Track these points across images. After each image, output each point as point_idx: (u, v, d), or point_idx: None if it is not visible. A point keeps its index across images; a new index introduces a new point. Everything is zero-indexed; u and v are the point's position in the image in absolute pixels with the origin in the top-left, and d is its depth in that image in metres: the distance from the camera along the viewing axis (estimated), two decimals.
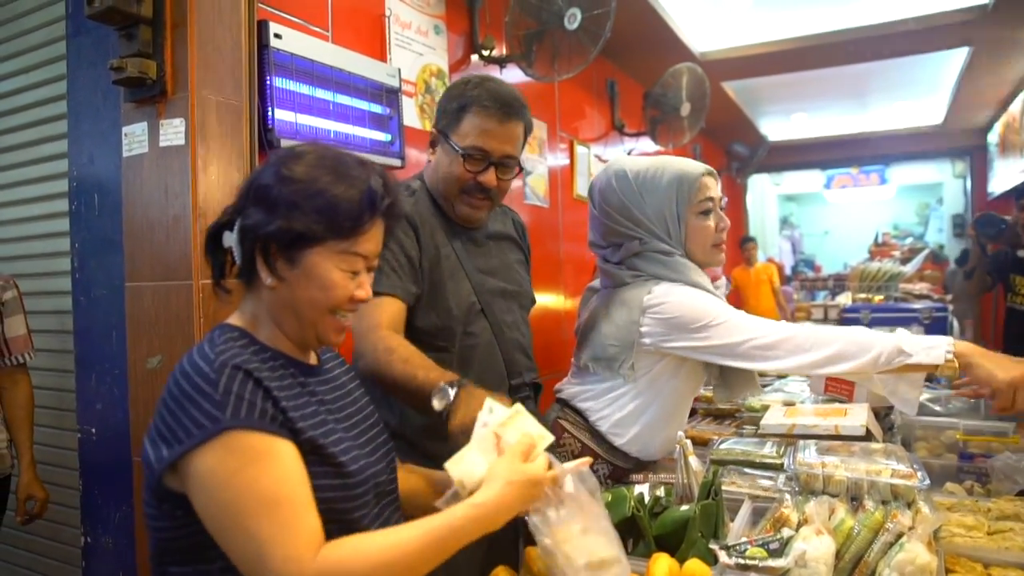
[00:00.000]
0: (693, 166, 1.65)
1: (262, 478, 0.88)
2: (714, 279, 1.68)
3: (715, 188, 1.68)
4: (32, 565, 2.46)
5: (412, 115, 2.73)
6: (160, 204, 1.87)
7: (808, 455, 1.47)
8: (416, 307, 1.48)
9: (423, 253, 1.49)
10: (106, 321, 2.04)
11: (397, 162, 2.49)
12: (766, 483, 1.50)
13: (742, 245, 7.08)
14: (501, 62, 3.19)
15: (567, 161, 4.07)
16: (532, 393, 1.60)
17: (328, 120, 2.24)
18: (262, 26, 2.03)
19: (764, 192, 11.15)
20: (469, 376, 1.31)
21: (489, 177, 1.49)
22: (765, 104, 7.01)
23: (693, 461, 1.45)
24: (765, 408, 2.03)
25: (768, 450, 1.65)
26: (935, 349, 1.40)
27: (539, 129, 3.71)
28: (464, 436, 1.09)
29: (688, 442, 1.45)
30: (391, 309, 1.42)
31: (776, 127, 7.95)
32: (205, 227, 1.80)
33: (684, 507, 1.30)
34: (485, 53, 3.11)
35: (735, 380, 1.68)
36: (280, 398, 0.95)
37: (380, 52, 2.58)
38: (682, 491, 1.45)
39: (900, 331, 1.48)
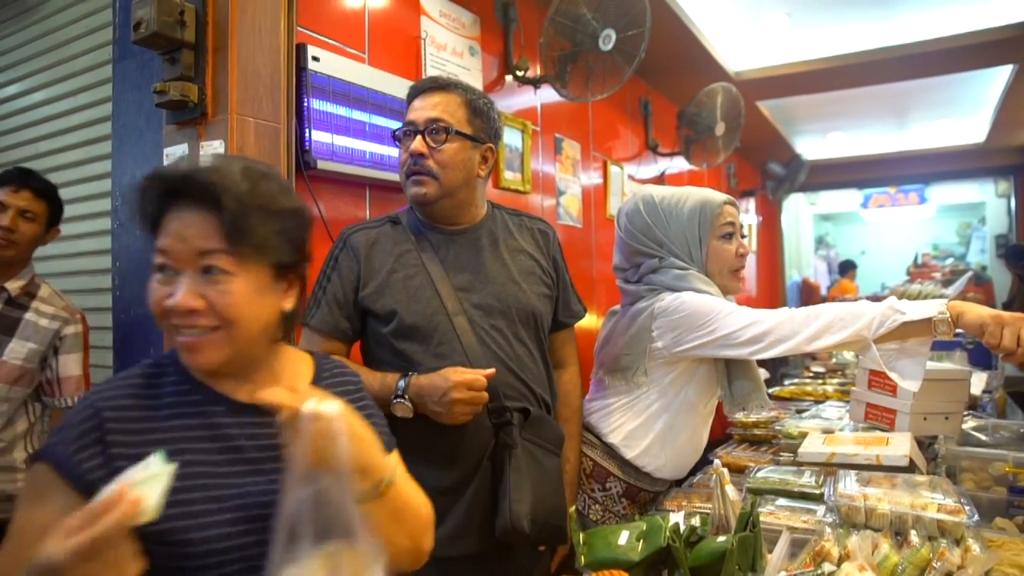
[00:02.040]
0: (716, 194, 1.77)
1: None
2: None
3: (736, 216, 1.78)
4: None
5: None
6: None
7: (849, 486, 1.43)
8: (383, 320, 1.50)
9: (372, 278, 1.50)
10: (144, 339, 2.07)
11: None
12: (805, 515, 1.46)
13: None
14: (535, 83, 3.20)
15: (600, 181, 4.05)
16: (520, 420, 1.48)
17: (364, 141, 2.26)
18: (300, 49, 2.06)
19: (799, 211, 11.00)
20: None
21: (416, 144, 1.50)
22: (801, 123, 6.93)
23: (730, 490, 1.42)
24: (803, 435, 1.99)
25: (807, 479, 1.61)
26: (928, 305, 1.42)
27: (572, 149, 3.71)
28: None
29: (724, 470, 1.42)
30: (322, 343, 1.50)
31: (812, 146, 7.85)
32: None
33: (721, 538, 1.27)
34: (519, 74, 3.13)
35: (741, 389, 1.71)
36: (117, 443, 0.86)
37: (415, 73, 2.61)
38: (718, 520, 1.42)
39: (891, 297, 1.51)
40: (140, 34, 1.83)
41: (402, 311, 1.48)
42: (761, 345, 1.54)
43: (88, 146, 2.46)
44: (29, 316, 2.00)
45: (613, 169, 4.13)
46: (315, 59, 2.09)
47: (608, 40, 2.94)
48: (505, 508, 1.42)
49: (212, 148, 1.86)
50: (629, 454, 1.71)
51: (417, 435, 1.43)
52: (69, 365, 2.06)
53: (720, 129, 4.58)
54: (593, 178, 3.97)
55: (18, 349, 1.96)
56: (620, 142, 4.40)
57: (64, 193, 2.54)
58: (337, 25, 2.27)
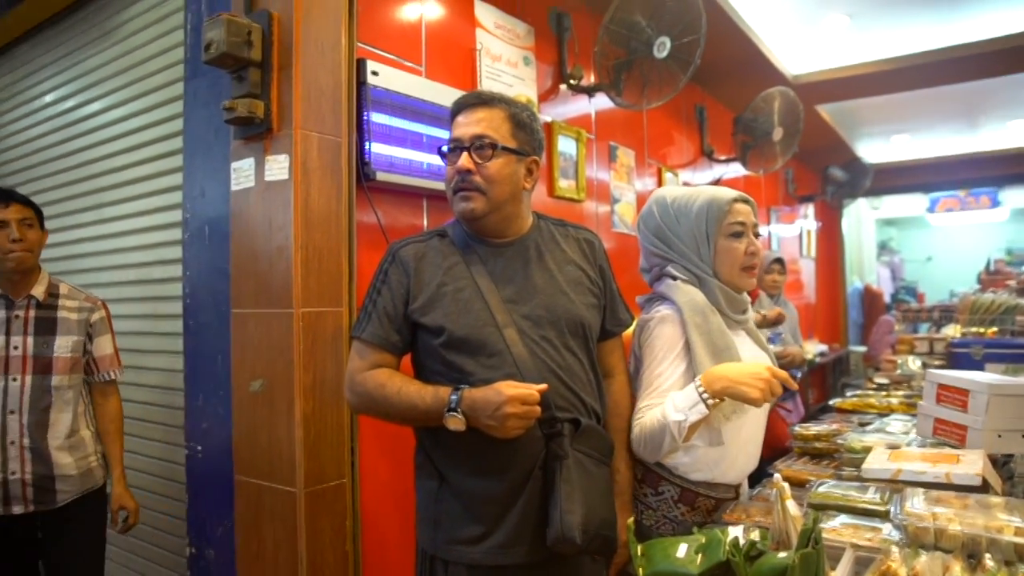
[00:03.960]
0: (726, 192, 1.75)
1: None
2: (753, 296, 1.75)
3: (748, 214, 1.75)
4: (144, 570, 2.61)
5: None
6: (265, 235, 1.97)
7: (917, 504, 1.39)
8: (434, 333, 1.52)
9: (422, 291, 1.52)
10: (213, 345, 2.16)
11: None
12: (869, 532, 1.42)
13: None
14: (590, 91, 3.21)
15: (655, 188, 4.03)
16: (571, 430, 1.48)
17: (421, 152, 2.30)
18: (360, 64, 2.12)
19: (860, 216, 10.68)
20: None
21: (462, 161, 1.51)
22: (863, 126, 6.74)
23: (790, 505, 1.39)
24: (866, 449, 1.93)
25: (871, 496, 1.56)
26: (695, 405, 1.50)
27: (627, 156, 3.70)
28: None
29: (785, 485, 1.39)
30: (373, 356, 1.52)
31: (875, 149, 7.62)
32: (306, 258, 1.90)
33: (782, 554, 1.25)
34: (573, 82, 3.14)
35: None
36: None
37: (471, 84, 2.65)
38: (778, 536, 1.39)
39: (666, 402, 1.55)
40: (210, 54, 1.91)
41: (452, 324, 1.49)
42: (634, 420, 1.63)
43: (160, 160, 2.57)
44: (61, 314, 2.16)
45: (668, 176, 4.10)
46: (374, 73, 2.15)
47: (663, 47, 2.93)
48: (556, 518, 1.42)
49: (277, 162, 1.93)
50: (669, 462, 1.70)
51: (468, 446, 1.45)
52: (103, 346, 2.24)
53: (778, 134, 4.50)
54: (648, 185, 3.95)
55: (64, 344, 2.13)
56: (675, 149, 4.36)
57: (137, 205, 2.69)
58: (395, 39, 2.33)
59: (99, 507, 2.21)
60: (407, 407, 1.44)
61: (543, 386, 1.41)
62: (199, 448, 2.22)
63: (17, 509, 2.02)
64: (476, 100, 1.55)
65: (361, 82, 2.10)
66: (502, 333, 1.49)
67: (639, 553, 1.32)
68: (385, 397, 1.46)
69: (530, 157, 1.58)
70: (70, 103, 3.10)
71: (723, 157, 4.80)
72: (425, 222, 2.39)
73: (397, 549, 2.17)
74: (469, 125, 1.53)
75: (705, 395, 1.49)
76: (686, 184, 4.37)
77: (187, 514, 2.28)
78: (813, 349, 6.29)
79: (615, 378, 1.74)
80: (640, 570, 1.29)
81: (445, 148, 1.57)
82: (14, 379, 2.05)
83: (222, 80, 2.07)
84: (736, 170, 5.04)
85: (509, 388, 1.37)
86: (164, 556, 2.51)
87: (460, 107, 1.57)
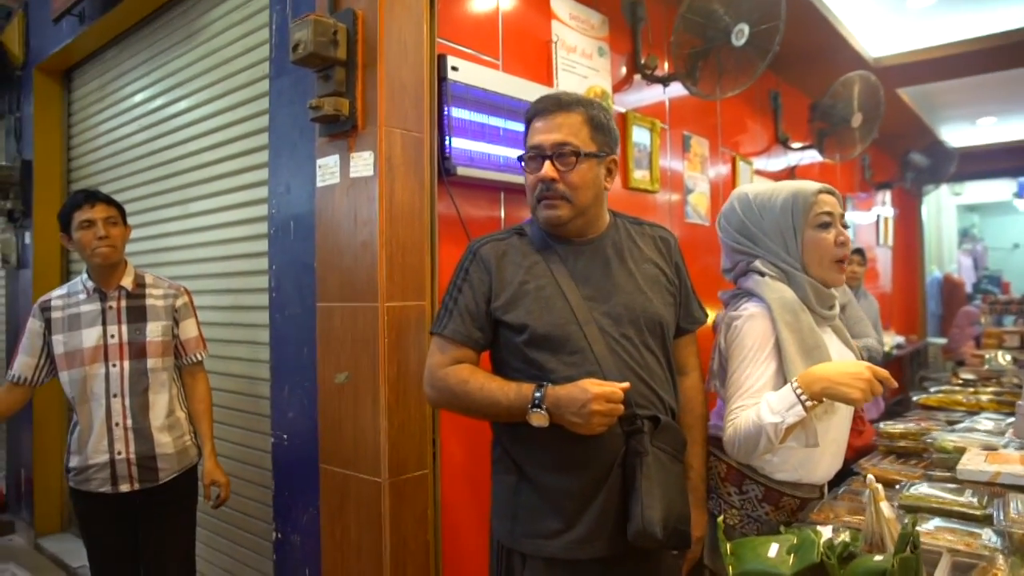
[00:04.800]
0: (810, 183, 1.72)
1: None
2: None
3: (834, 204, 1.70)
4: (230, 552, 2.73)
5: None
6: (350, 230, 2.02)
7: (1021, 510, 1.34)
8: (516, 331, 1.53)
9: (504, 289, 1.54)
10: (299, 337, 2.23)
11: None
12: (967, 537, 1.38)
13: None
14: (664, 80, 3.16)
15: (729, 177, 3.95)
16: (650, 427, 1.49)
17: (499, 146, 2.32)
18: (440, 60, 2.14)
19: (941, 202, 10.21)
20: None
21: (546, 169, 1.51)
22: (946, 109, 6.44)
23: (884, 507, 1.36)
24: (958, 450, 1.86)
25: (968, 499, 1.51)
26: (793, 407, 1.46)
27: (701, 145, 3.64)
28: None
29: (879, 487, 1.36)
30: (455, 351, 1.54)
31: (959, 133, 7.28)
32: (391, 253, 1.94)
33: (877, 557, 1.22)
34: (648, 72, 3.10)
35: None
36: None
37: (547, 77, 2.64)
38: (871, 537, 1.36)
39: (761, 404, 1.52)
40: (298, 54, 1.96)
41: (534, 322, 1.51)
42: (727, 421, 1.59)
43: (245, 156, 2.67)
44: (149, 301, 2.28)
45: (742, 165, 4.01)
46: (454, 69, 2.17)
47: (741, 35, 2.86)
48: (638, 513, 1.43)
49: (362, 159, 1.98)
50: (754, 461, 1.68)
51: (549, 442, 1.47)
52: (188, 329, 2.35)
53: (857, 120, 4.35)
54: (721, 174, 3.88)
55: (155, 329, 2.26)
56: (748, 136, 4.26)
57: (222, 200, 2.79)
58: (473, 34, 2.34)
59: (192, 485, 2.33)
60: (490, 403, 1.47)
61: (626, 384, 1.42)
62: (285, 437, 2.31)
63: (124, 487, 2.15)
64: (554, 105, 1.54)
65: (442, 78, 2.13)
66: (583, 331, 1.51)
67: (728, 552, 1.31)
68: (467, 393, 1.49)
69: (609, 157, 1.59)
70: (157, 103, 3.23)
71: (798, 144, 4.67)
72: (502, 214, 2.41)
73: (474, 540, 2.21)
74: (549, 132, 1.52)
75: (803, 397, 1.46)
76: (759, 172, 4.27)
77: (273, 500, 2.37)
78: (890, 341, 6.08)
79: (688, 375, 1.75)
80: (730, 569, 1.28)
81: (523, 156, 1.57)
82: (114, 365, 2.18)
83: (307, 78, 2.12)
84: (811, 157, 4.90)
85: (594, 386, 1.38)
86: (251, 540, 2.62)
87: (536, 112, 1.56)
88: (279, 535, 2.33)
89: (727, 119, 3.94)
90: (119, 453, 2.14)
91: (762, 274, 1.69)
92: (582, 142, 1.52)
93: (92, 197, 2.20)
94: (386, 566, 1.92)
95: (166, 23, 3.18)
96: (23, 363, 2.19)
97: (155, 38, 3.26)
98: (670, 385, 1.61)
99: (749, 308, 1.65)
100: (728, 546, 1.31)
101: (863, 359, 1.63)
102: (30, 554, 3.73)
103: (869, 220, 6.62)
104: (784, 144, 4.58)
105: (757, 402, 1.54)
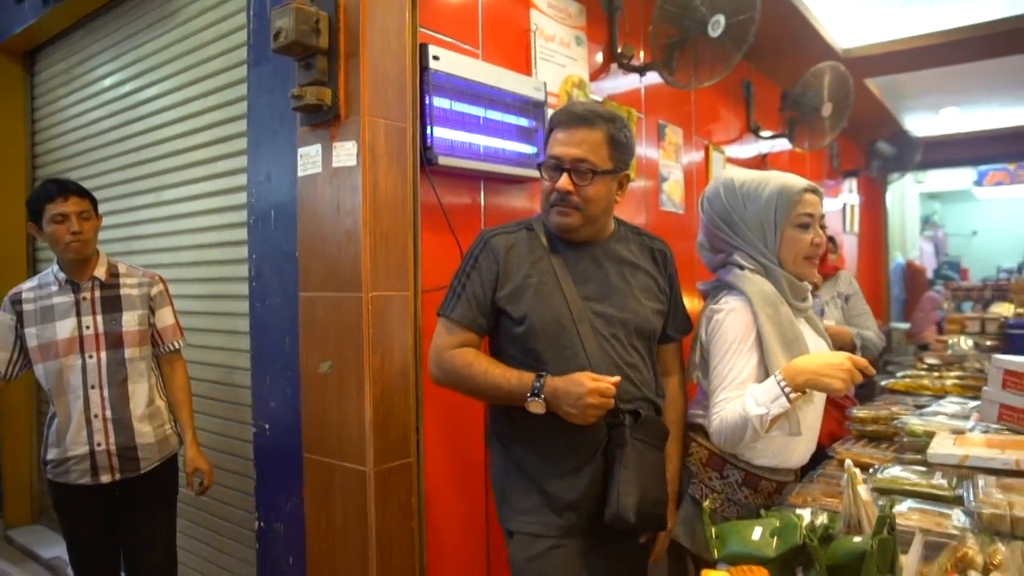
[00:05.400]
0: (797, 181, 1.75)
1: None
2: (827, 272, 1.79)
3: (817, 205, 1.75)
4: (211, 541, 2.72)
5: None
6: (333, 220, 2.01)
7: (990, 491, 1.40)
8: (516, 321, 1.61)
9: (509, 280, 1.62)
10: (280, 327, 2.22)
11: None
12: (938, 518, 1.44)
13: None
14: (641, 70, 3.19)
15: (702, 166, 4.00)
16: (631, 421, 1.58)
17: (479, 135, 2.32)
18: (423, 49, 2.13)
19: (904, 190, 10.44)
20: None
21: (563, 182, 1.58)
22: (911, 99, 6.56)
23: (862, 490, 1.41)
24: (927, 434, 1.93)
25: (938, 481, 1.58)
26: (777, 399, 1.52)
27: (675, 134, 3.67)
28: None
29: (857, 471, 1.41)
30: (461, 335, 1.63)
31: (923, 123, 7.43)
32: (375, 243, 1.94)
33: (856, 538, 1.27)
34: (624, 62, 3.12)
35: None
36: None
37: (526, 66, 2.65)
38: (849, 519, 1.41)
39: (746, 396, 1.58)
40: (280, 43, 1.94)
41: (534, 314, 1.59)
42: (712, 413, 1.65)
43: (221, 143, 2.63)
44: (124, 291, 2.26)
45: (715, 154, 4.06)
46: (435, 58, 2.16)
47: (717, 26, 2.90)
48: (614, 499, 1.53)
49: (345, 149, 1.97)
50: (735, 450, 1.73)
51: (539, 428, 1.57)
52: (164, 317, 2.34)
53: (827, 110, 4.42)
54: (695, 162, 3.92)
55: (131, 318, 2.24)
56: (721, 125, 4.31)
57: (199, 188, 2.75)
58: (453, 23, 2.33)
59: (173, 474, 2.33)
60: (491, 387, 1.56)
61: (616, 379, 1.51)
62: (267, 426, 2.30)
63: (105, 478, 2.14)
64: (579, 120, 1.60)
65: (424, 67, 2.12)
66: (577, 328, 1.60)
67: (713, 535, 1.35)
68: (472, 376, 1.58)
69: (623, 172, 1.67)
70: (128, 88, 3.16)
71: (769, 133, 4.73)
72: (482, 203, 2.41)
73: (458, 527, 2.24)
74: (570, 146, 1.58)
75: (787, 389, 1.52)
76: (731, 160, 4.32)
77: (255, 489, 2.36)
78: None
79: (672, 376, 1.86)
80: (715, 551, 1.32)
81: (542, 163, 1.64)
82: (90, 356, 2.15)
83: (287, 66, 2.10)
84: (782, 145, 4.97)
85: (590, 380, 1.47)
86: (232, 529, 2.61)
87: (560, 123, 1.63)
88: (262, 524, 2.33)
89: (701, 108, 3.98)
90: (99, 444, 2.12)
91: (741, 267, 1.74)
92: (600, 160, 1.59)
93: (65, 189, 2.16)
94: (372, 553, 1.94)
95: (136, 5, 3.11)
96: None
97: (125, 20, 3.18)
98: (653, 384, 1.72)
99: (730, 302, 1.70)
100: (713, 530, 1.35)
101: (856, 348, 1.70)
102: (0, 546, 3.67)
103: (836, 207, 6.75)
104: (755, 133, 4.64)
105: (741, 394, 1.59)
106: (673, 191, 3.64)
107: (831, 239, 3.79)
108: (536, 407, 1.50)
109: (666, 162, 3.58)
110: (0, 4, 3.71)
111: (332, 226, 2.02)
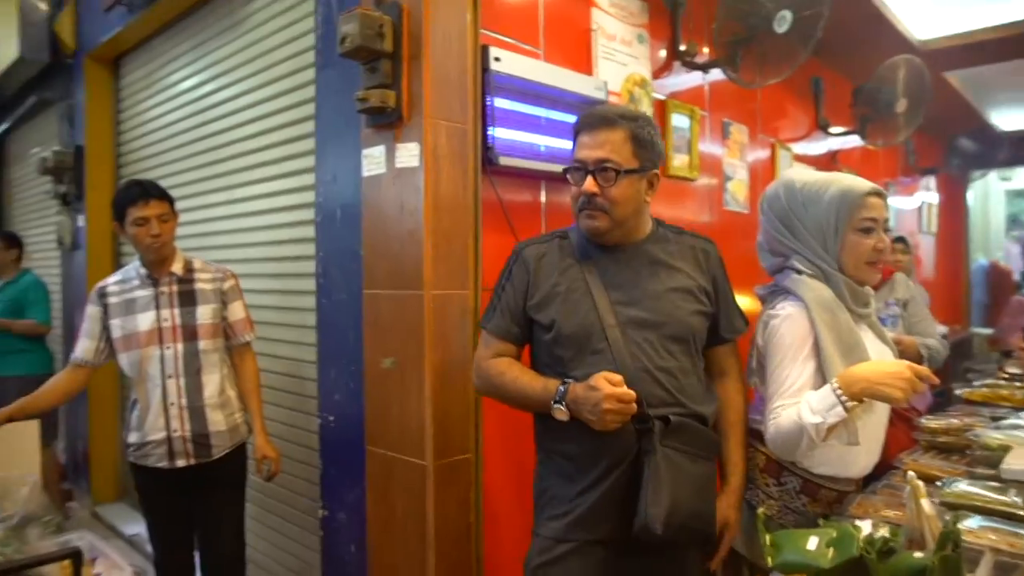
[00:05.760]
0: (861, 184, 1.69)
1: None
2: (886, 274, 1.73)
3: (880, 209, 1.69)
4: (278, 527, 2.83)
5: None
6: (396, 219, 2.07)
7: None
8: (546, 329, 1.63)
9: (538, 289, 1.64)
10: (345, 323, 2.29)
11: None
12: (1011, 537, 1.38)
13: None
14: (704, 67, 3.14)
15: (768, 164, 3.91)
16: (660, 427, 1.54)
17: (540, 135, 2.34)
18: (483, 51, 2.16)
19: (988, 188, 9.93)
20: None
21: (587, 184, 1.57)
22: (998, 92, 6.24)
23: (925, 504, 1.37)
24: (1003, 447, 1.85)
25: (1012, 498, 1.51)
26: (833, 407, 1.48)
27: (740, 132, 3.61)
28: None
29: (920, 484, 1.37)
30: (496, 345, 1.68)
31: (1010, 117, 7.05)
32: (435, 242, 1.99)
33: (918, 554, 1.24)
34: (688, 59, 3.08)
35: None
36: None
37: (587, 66, 2.65)
38: (911, 534, 1.37)
39: (802, 404, 1.54)
40: (346, 47, 2.00)
41: (561, 321, 1.60)
42: (768, 420, 1.61)
43: (290, 144, 2.72)
44: (198, 286, 2.37)
45: (781, 152, 3.97)
46: (497, 59, 2.18)
47: (783, 22, 2.83)
48: (641, 509, 1.50)
49: (407, 150, 2.02)
50: (792, 457, 1.69)
51: (569, 433, 1.58)
52: (236, 311, 2.43)
53: (902, 106, 4.26)
54: (760, 160, 3.84)
55: (205, 312, 2.34)
56: (788, 122, 4.21)
57: (269, 187, 2.86)
58: (514, 23, 2.36)
59: (243, 460, 2.44)
60: (521, 395, 1.60)
61: (633, 394, 1.48)
62: (332, 418, 2.38)
63: (180, 462, 2.26)
64: (599, 121, 1.59)
65: (485, 69, 2.15)
66: (605, 333, 1.58)
67: (768, 543, 1.34)
68: (503, 384, 1.63)
69: (651, 171, 1.63)
70: (202, 91, 3.31)
71: (839, 130, 4.59)
72: (543, 203, 2.43)
73: (515, 523, 2.26)
74: (592, 148, 1.58)
75: (843, 398, 1.48)
76: (799, 158, 4.22)
77: (320, 478, 2.45)
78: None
79: (728, 377, 1.80)
80: (769, 559, 1.31)
81: (568, 167, 1.64)
82: (168, 347, 2.27)
83: (353, 70, 2.16)
84: (853, 142, 4.81)
85: (607, 385, 1.45)
86: (298, 516, 2.71)
87: (582, 127, 1.62)
88: (326, 512, 2.41)
89: (767, 105, 3.90)
90: (175, 431, 2.24)
91: (799, 272, 1.70)
92: (624, 159, 1.57)
93: (146, 194, 2.27)
94: (430, 547, 1.99)
95: (209, 12, 3.25)
96: (85, 346, 2.30)
97: (199, 27, 3.33)
98: (696, 389, 1.66)
99: (787, 308, 1.66)
100: (768, 537, 1.34)
101: (921, 359, 1.64)
102: (89, 521, 3.91)
103: (912, 206, 6.49)
104: (824, 130, 4.50)
105: (797, 401, 1.56)
106: (738, 190, 3.58)
107: (903, 239, 3.66)
108: (560, 414, 1.52)
109: (730, 160, 3.52)
110: (89, 14, 3.94)
111: (395, 225, 2.07)
